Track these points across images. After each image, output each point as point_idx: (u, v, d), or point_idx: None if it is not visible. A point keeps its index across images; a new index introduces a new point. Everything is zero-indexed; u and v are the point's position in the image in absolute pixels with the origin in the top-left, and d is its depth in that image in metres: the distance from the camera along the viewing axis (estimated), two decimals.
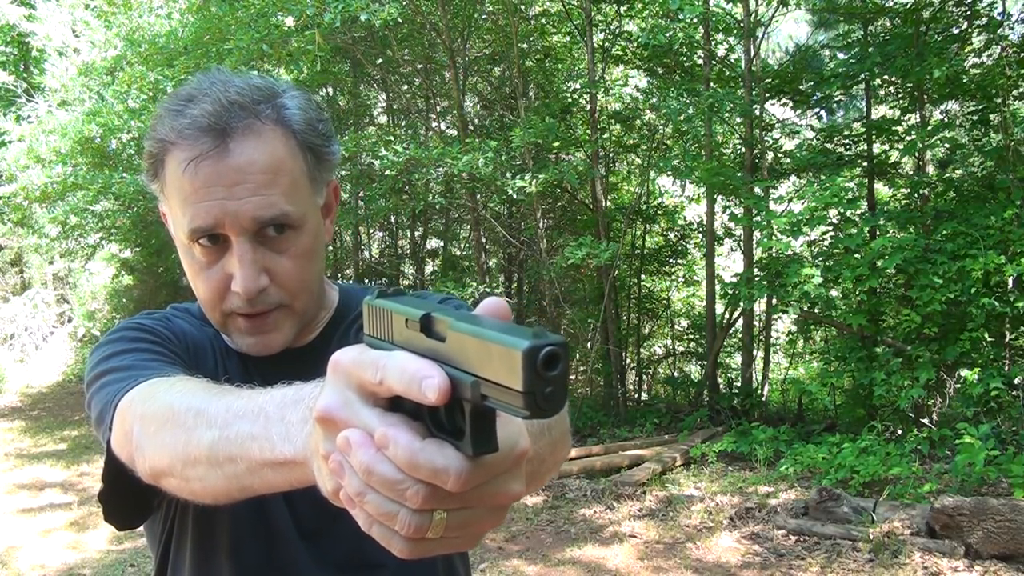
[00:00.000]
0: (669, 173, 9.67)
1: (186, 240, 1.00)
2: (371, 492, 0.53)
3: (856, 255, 7.20)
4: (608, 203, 10.46)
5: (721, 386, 10.00)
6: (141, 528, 1.10)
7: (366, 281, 12.38)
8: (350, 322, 1.15)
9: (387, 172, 8.74)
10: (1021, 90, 8.11)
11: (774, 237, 7.44)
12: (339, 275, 13.01)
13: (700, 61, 9.32)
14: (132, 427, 0.85)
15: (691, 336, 12.19)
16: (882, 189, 10.13)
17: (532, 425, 0.65)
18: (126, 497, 0.94)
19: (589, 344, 9.95)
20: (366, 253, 13.16)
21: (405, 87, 11.67)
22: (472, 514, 0.54)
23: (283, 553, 1.05)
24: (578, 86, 10.22)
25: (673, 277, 12.17)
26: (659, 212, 11.29)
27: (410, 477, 0.51)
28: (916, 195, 8.66)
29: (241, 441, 0.71)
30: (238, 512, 1.00)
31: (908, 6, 7.92)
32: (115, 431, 0.88)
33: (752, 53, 8.92)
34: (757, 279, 8.01)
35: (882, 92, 9.21)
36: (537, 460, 0.75)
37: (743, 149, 9.15)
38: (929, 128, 8.00)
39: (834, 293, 8.29)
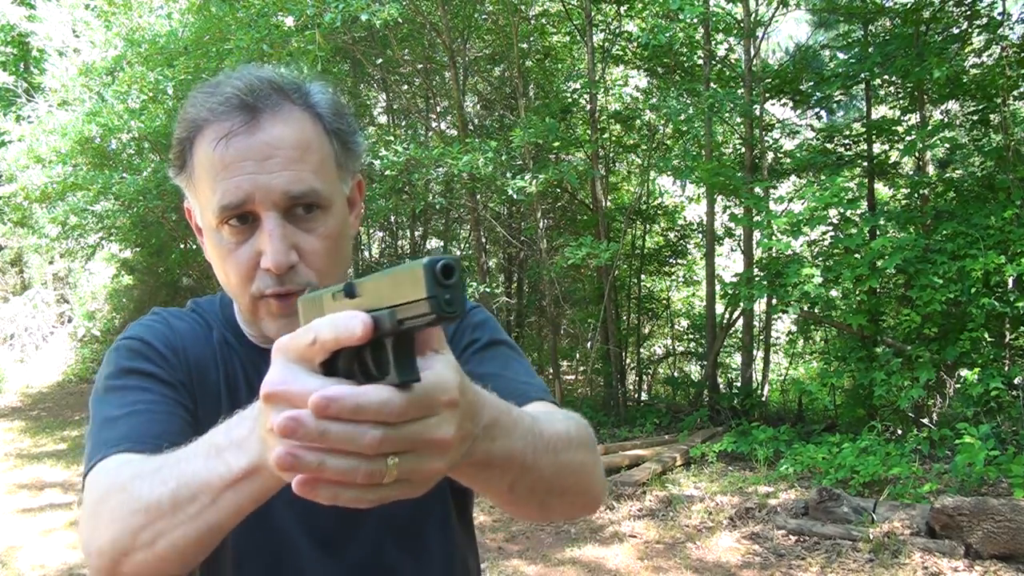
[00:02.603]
0: (669, 173, 9.67)
1: (215, 222, 0.98)
2: (329, 457, 0.59)
3: (856, 255, 7.20)
4: (608, 203, 10.46)
5: (721, 386, 10.00)
6: None
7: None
8: None
9: (387, 172, 8.74)
10: (1021, 90, 8.11)
11: (774, 237, 7.43)
12: None
13: (700, 61, 9.32)
14: (88, 530, 0.84)
15: (691, 336, 12.19)
16: (882, 189, 10.13)
17: (528, 443, 0.78)
18: None
19: (589, 344, 9.95)
20: (366, 253, 13.15)
21: (405, 87, 11.67)
22: (417, 457, 0.62)
23: (291, 563, 1.04)
24: (578, 86, 10.21)
25: (673, 277, 12.17)
26: (659, 212, 11.30)
27: (361, 423, 0.58)
28: (916, 195, 8.66)
29: (198, 477, 0.74)
30: (244, 524, 1.01)
31: (908, 6, 7.92)
32: (84, 504, 0.88)
33: (752, 53, 8.92)
34: (757, 279, 8.01)
35: (882, 92, 9.21)
36: (539, 478, 0.81)
37: (743, 149, 9.15)
38: (929, 128, 8.00)
39: (834, 293, 8.28)
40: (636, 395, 11.11)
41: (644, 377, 11.88)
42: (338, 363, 0.63)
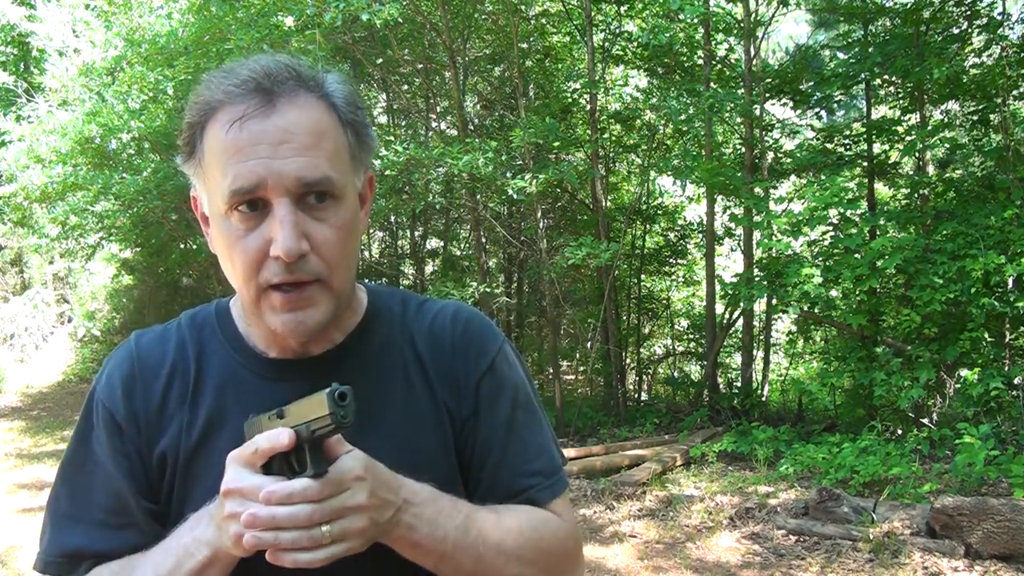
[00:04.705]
0: (669, 173, 9.67)
1: (224, 208, 0.95)
2: (281, 533, 0.83)
3: (856, 255, 7.20)
4: (608, 203, 10.46)
5: (721, 386, 10.00)
6: None
7: (366, 281, 12.36)
8: (379, 347, 1.10)
9: (387, 172, 8.74)
10: (1021, 90, 8.11)
11: (774, 237, 7.44)
12: None
13: (700, 61, 9.32)
14: None
15: (691, 336, 12.20)
16: (882, 189, 10.13)
17: (452, 538, 0.96)
18: None
19: (589, 344, 9.95)
20: (366, 253, 13.15)
21: (405, 87, 11.67)
22: (343, 520, 0.85)
23: None
24: (578, 86, 10.21)
25: (673, 277, 12.17)
26: (659, 212, 11.30)
27: (296, 504, 0.83)
28: (916, 195, 8.66)
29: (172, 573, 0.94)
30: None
31: (908, 6, 7.92)
32: None
33: (752, 53, 8.92)
34: (757, 279, 8.00)
35: (882, 92, 9.21)
36: (459, 569, 0.98)
37: (743, 149, 9.15)
38: (929, 128, 8.00)
39: (834, 293, 8.28)
40: (636, 395, 11.11)
41: (644, 377, 11.89)
42: (273, 465, 0.88)
